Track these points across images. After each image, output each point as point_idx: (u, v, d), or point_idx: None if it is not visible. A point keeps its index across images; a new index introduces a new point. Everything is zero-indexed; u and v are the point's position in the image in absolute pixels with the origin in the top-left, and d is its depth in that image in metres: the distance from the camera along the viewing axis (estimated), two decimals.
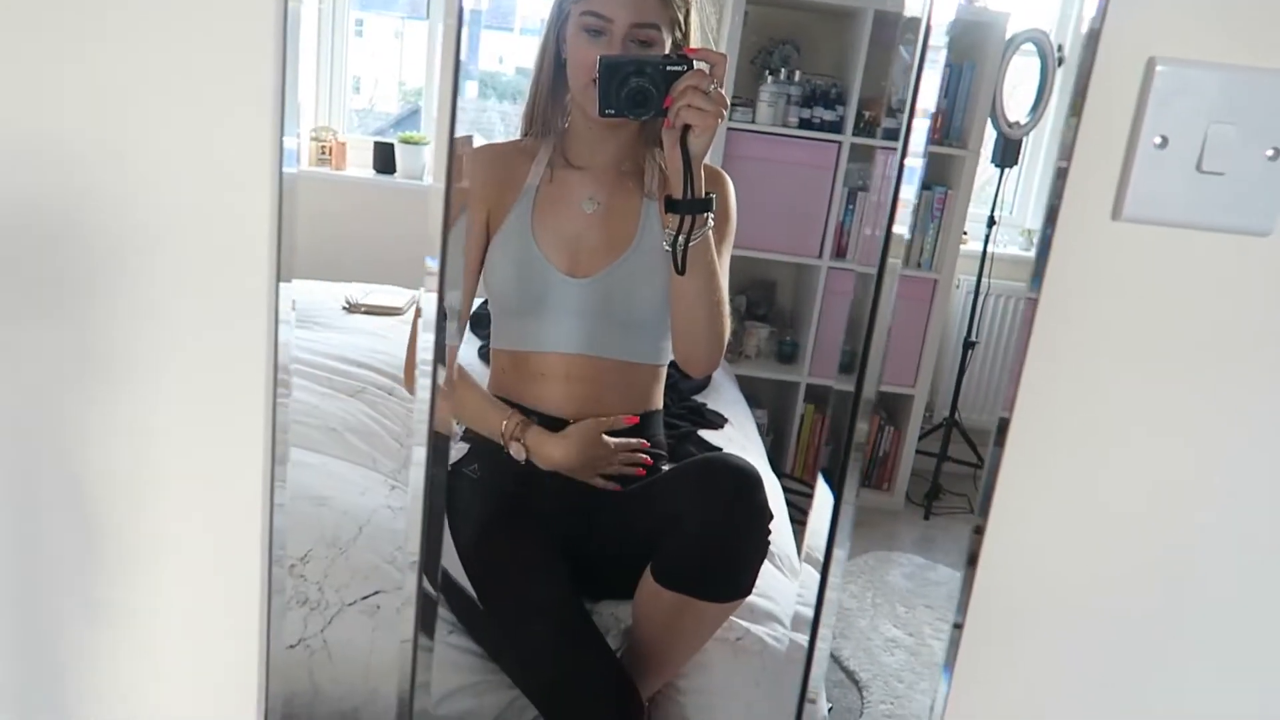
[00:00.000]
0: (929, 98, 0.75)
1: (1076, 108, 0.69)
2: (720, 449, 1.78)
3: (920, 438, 2.42)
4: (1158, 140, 0.70)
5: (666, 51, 1.37)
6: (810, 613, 0.89)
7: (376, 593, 1.42)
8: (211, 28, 0.70)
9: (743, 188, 1.54)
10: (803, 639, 1.50)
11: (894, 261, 0.77)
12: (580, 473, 1.43)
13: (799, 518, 2.14)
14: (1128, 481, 0.78)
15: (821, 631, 0.86)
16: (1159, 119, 0.70)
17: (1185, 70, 0.70)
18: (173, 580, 0.83)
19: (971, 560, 0.80)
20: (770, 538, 1.33)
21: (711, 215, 1.34)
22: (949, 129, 2.32)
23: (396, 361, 1.82)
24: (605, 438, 1.43)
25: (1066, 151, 0.70)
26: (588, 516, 1.44)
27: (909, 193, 0.76)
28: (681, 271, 1.33)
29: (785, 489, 2.46)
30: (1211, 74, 0.70)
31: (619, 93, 1.27)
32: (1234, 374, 0.76)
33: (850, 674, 2.00)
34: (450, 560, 1.46)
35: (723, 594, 1.31)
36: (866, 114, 2.44)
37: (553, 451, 1.43)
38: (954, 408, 2.16)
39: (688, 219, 1.30)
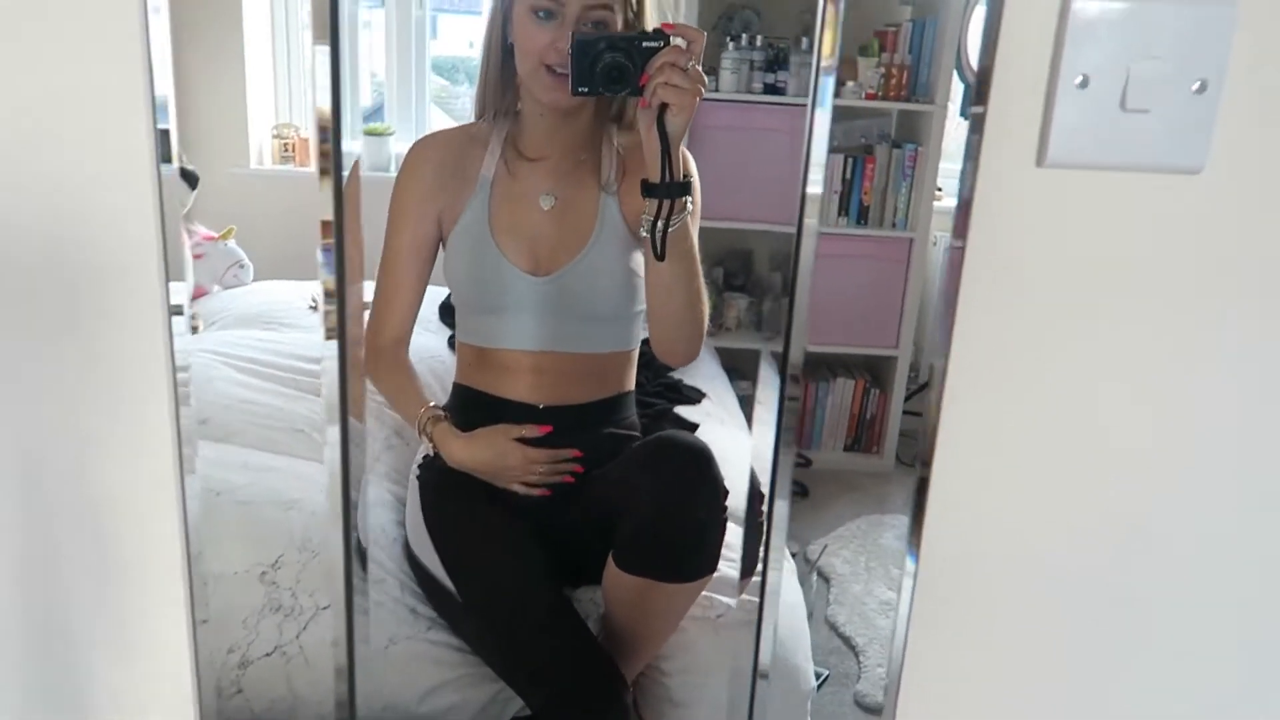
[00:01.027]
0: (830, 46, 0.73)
1: (990, 50, 0.66)
2: (698, 425, 1.76)
3: (907, 398, 2.40)
4: (1079, 80, 0.68)
5: (618, 28, 1.34)
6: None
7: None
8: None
9: (712, 158, 1.51)
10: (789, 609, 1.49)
11: (810, 222, 0.75)
12: (495, 479, 1.42)
13: (792, 489, 2.13)
14: (1066, 429, 0.76)
15: (769, 593, 0.85)
16: (1078, 58, 0.67)
17: (1103, 5, 0.67)
18: (95, 602, 0.82)
19: (917, 513, 0.79)
20: (727, 513, 1.31)
21: (690, 200, 1.30)
22: (915, 85, 2.28)
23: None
24: (520, 448, 1.40)
25: (982, 96, 0.67)
26: (557, 502, 1.43)
27: (820, 152, 0.74)
28: (661, 258, 1.30)
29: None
30: (1131, 7, 0.67)
31: (592, 69, 1.24)
32: (1171, 316, 0.74)
33: (847, 639, 1.99)
34: (427, 554, 1.45)
35: (684, 574, 1.29)
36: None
37: (457, 452, 1.42)
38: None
39: (666, 203, 1.27)
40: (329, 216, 0.71)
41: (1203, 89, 0.68)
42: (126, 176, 0.70)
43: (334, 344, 0.75)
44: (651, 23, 1.39)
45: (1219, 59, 0.67)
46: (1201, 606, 0.83)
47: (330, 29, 0.66)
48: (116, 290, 0.73)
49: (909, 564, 0.78)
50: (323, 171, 0.69)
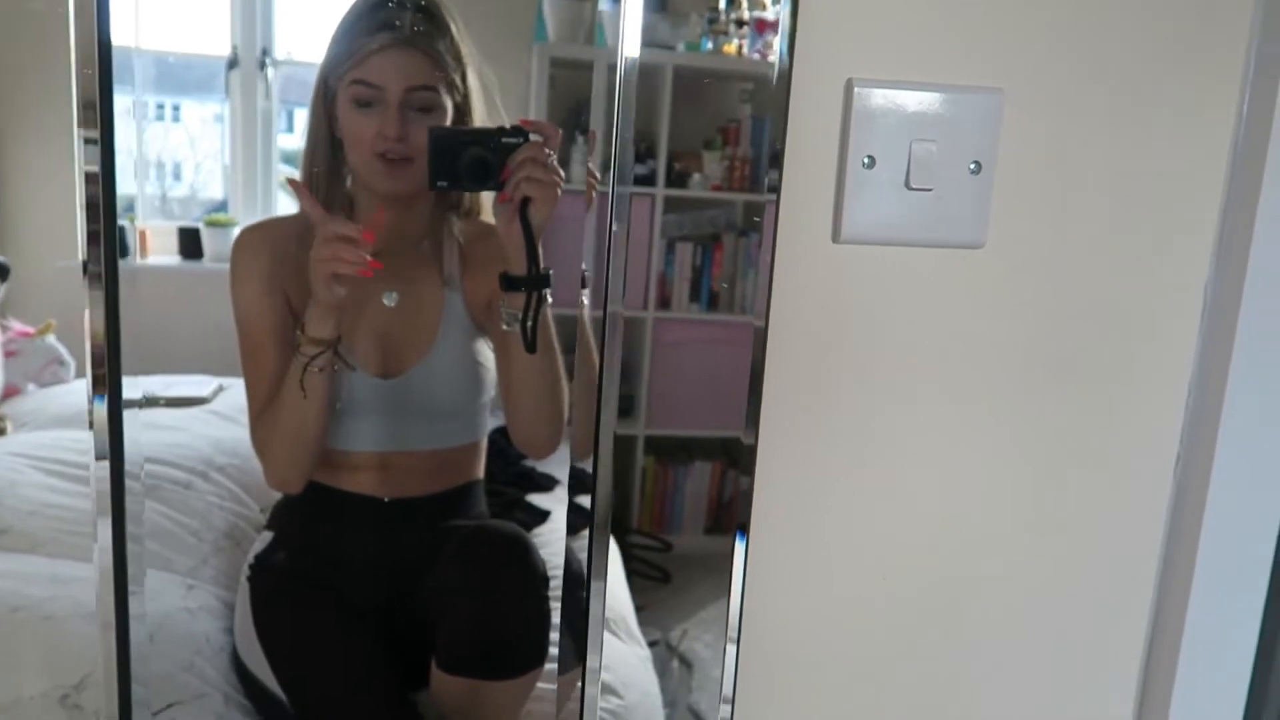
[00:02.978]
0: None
1: (780, 135, 0.69)
2: (549, 513, 1.73)
3: None
4: (866, 160, 0.71)
5: (448, 117, 1.35)
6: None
7: (170, 705, 1.30)
8: None
9: (562, 249, 1.52)
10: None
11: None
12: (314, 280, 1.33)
13: (652, 574, 2.11)
14: (870, 499, 0.78)
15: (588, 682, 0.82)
16: (864, 139, 0.71)
17: (884, 90, 0.71)
18: None
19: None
20: (549, 604, 1.29)
21: (550, 290, 1.31)
22: (756, 176, 2.37)
23: (194, 452, 1.70)
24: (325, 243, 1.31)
25: (775, 180, 0.70)
26: (395, 602, 1.37)
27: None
28: (533, 350, 1.30)
29: (635, 544, 2.40)
30: (909, 93, 0.71)
31: (453, 164, 1.25)
32: (967, 386, 0.77)
33: None
34: (256, 662, 1.36)
35: (506, 670, 1.26)
36: (677, 165, 2.48)
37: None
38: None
39: (534, 295, 1.27)
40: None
41: (978, 170, 0.72)
42: None
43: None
44: (480, 110, 1.40)
45: (990, 141, 0.71)
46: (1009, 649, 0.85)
47: (100, 118, 0.63)
48: None
49: (729, 649, 0.77)
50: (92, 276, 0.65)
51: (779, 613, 0.77)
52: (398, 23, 1.30)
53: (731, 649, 0.77)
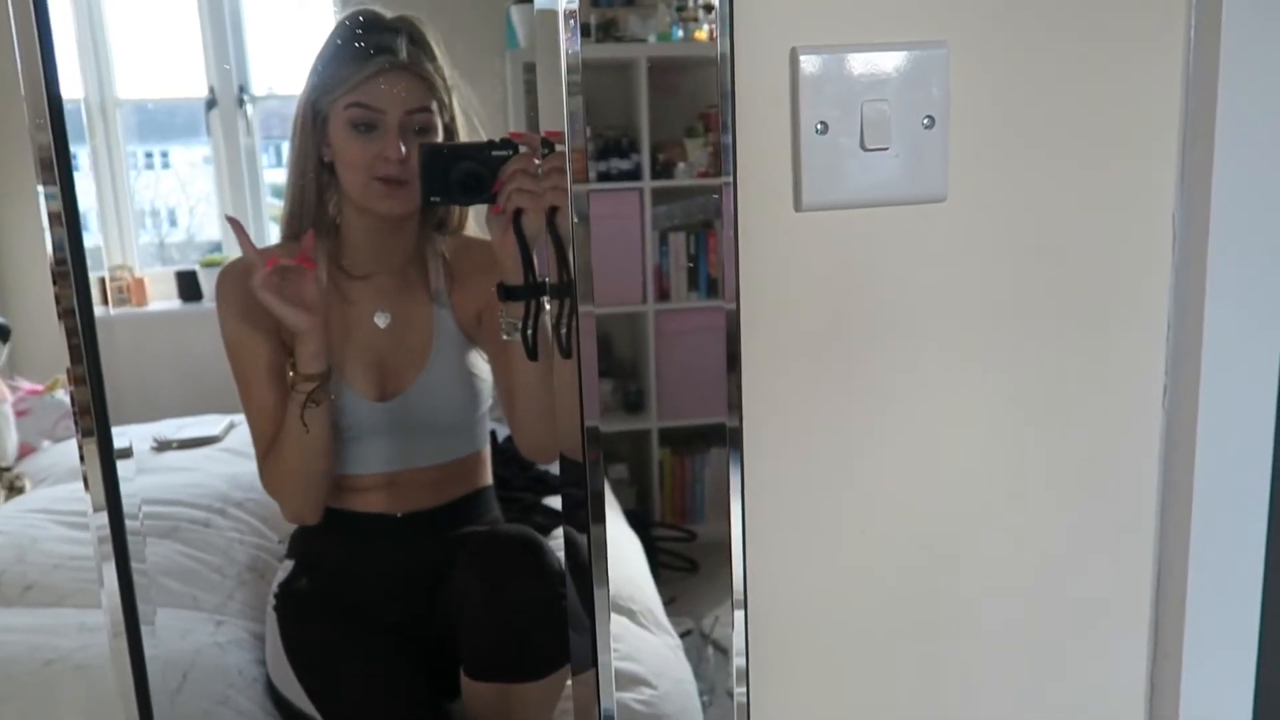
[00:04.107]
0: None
1: (730, 108, 0.70)
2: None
3: None
4: (819, 126, 0.72)
5: (439, 137, 1.36)
6: None
7: None
8: None
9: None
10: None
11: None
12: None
13: (680, 564, 2.11)
14: (858, 473, 0.78)
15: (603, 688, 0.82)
16: (814, 105, 0.72)
17: (828, 55, 0.71)
18: None
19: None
20: (566, 601, 1.30)
21: (548, 297, 1.32)
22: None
23: (210, 490, 1.72)
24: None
25: (730, 153, 0.70)
26: (418, 614, 1.38)
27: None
28: (535, 357, 1.31)
29: (660, 537, 2.41)
30: (854, 55, 0.72)
31: (445, 179, 1.26)
32: (949, 339, 0.77)
33: None
34: (290, 688, 1.37)
35: (533, 671, 1.26)
36: (660, 157, 2.48)
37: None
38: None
39: (533, 303, 1.28)
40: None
41: (931, 124, 0.73)
42: None
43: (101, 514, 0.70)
44: (464, 128, 1.42)
45: (940, 95, 0.71)
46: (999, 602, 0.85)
47: (58, 168, 0.64)
48: None
49: (737, 619, 0.78)
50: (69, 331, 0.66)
51: (783, 586, 0.77)
52: (389, 46, 1.32)
53: (739, 615, 0.77)
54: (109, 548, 0.72)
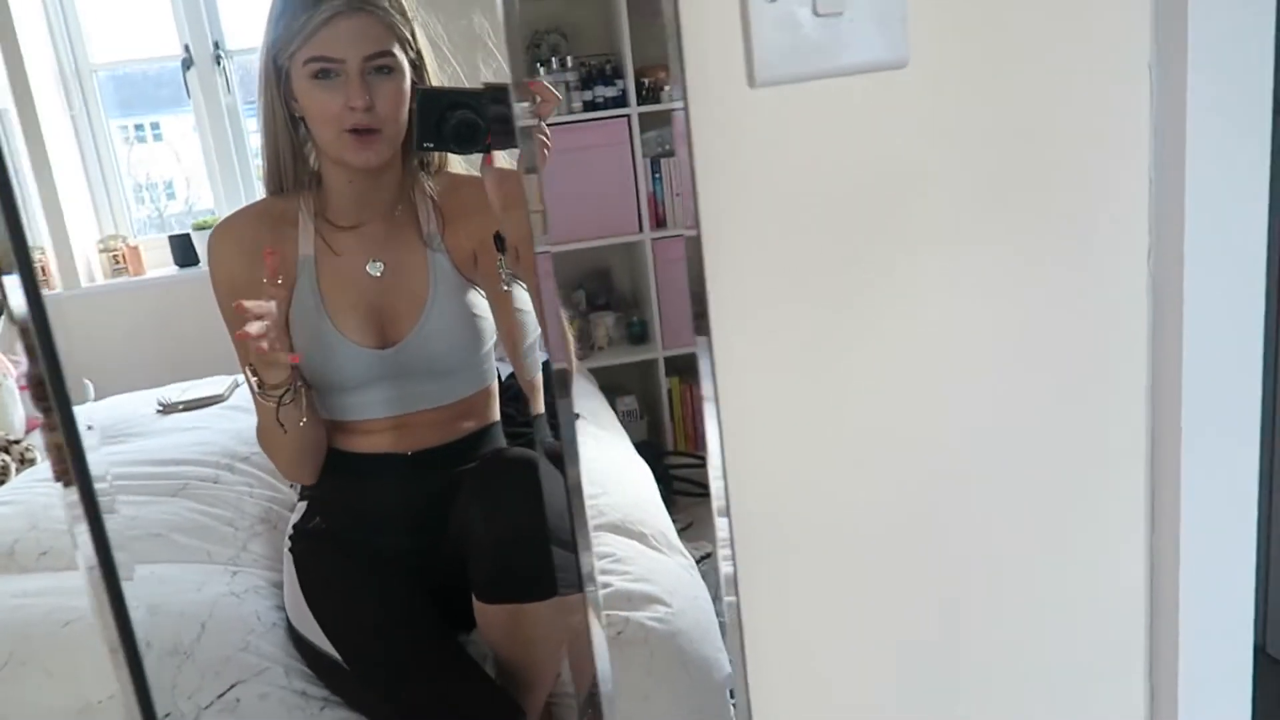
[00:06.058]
0: None
1: None
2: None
3: None
4: None
5: (407, 76, 1.32)
6: None
7: (233, 686, 1.34)
8: None
9: (549, 184, 1.50)
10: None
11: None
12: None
13: (694, 490, 2.11)
14: (837, 370, 0.76)
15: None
16: None
17: None
18: None
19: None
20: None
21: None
22: None
23: (217, 447, 1.73)
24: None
25: (675, 29, 0.67)
26: (428, 546, 1.38)
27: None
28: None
29: (673, 465, 2.42)
30: None
31: (440, 126, 1.22)
32: (923, 217, 0.74)
33: None
34: (309, 628, 1.39)
35: (540, 591, 1.25)
36: (646, 81, 2.42)
37: None
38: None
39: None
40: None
41: None
42: None
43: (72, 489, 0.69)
44: (432, 63, 1.38)
45: None
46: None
47: None
48: None
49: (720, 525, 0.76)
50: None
51: (768, 490, 0.76)
52: None
53: (722, 523, 0.76)
54: (79, 511, 0.71)
